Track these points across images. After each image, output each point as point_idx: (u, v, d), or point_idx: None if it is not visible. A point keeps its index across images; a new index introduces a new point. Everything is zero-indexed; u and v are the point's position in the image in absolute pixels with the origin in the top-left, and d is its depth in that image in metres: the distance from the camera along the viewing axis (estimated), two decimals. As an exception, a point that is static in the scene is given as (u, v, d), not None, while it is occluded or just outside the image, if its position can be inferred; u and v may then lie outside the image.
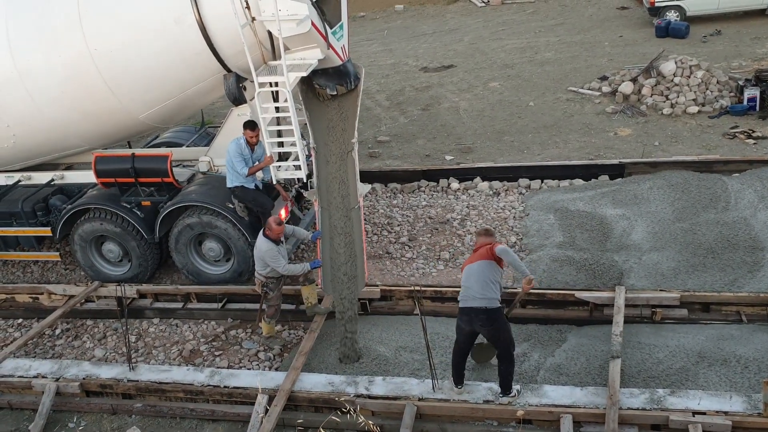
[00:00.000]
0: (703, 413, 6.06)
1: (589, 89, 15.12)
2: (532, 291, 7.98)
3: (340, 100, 8.54)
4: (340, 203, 8.22)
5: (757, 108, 12.98)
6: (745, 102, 13.08)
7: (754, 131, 12.17)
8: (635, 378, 6.73)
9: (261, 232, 7.66)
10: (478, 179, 11.45)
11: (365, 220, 10.06)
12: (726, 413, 6.03)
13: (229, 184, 8.56)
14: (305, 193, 9.39)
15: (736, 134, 12.18)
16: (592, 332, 7.55)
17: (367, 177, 11.85)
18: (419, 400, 6.62)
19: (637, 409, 6.20)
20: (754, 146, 11.72)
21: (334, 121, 8.51)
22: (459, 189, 11.33)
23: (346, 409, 6.08)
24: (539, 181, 11.23)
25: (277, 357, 7.93)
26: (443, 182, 11.53)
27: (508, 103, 15.27)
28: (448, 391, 6.69)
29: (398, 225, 10.36)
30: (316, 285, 8.22)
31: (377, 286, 8.50)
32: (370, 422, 5.27)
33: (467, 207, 10.71)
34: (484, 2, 24.91)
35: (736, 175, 10.33)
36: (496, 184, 11.27)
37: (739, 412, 6.03)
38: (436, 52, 20.05)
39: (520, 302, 8.00)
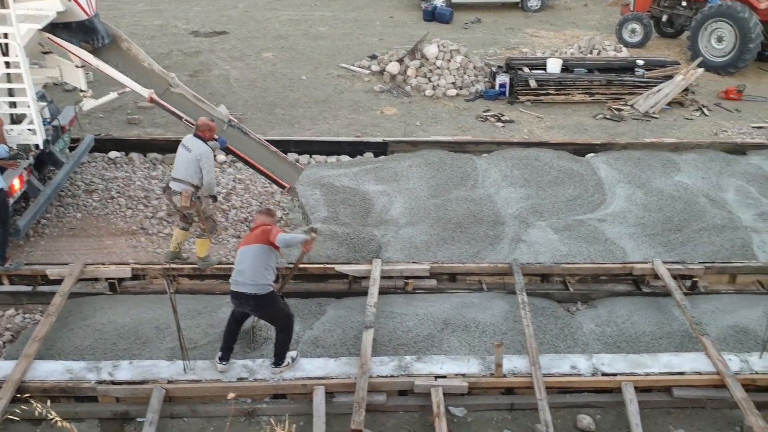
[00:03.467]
0: (445, 377, 6.47)
1: (359, 67, 15.46)
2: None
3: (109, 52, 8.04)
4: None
5: (507, 93, 14.17)
6: (497, 87, 14.20)
7: (503, 115, 13.26)
8: (386, 346, 6.98)
9: (192, 134, 7.47)
10: (246, 152, 11.17)
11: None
12: (464, 375, 6.49)
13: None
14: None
15: (488, 117, 13.19)
16: (349, 304, 7.71)
17: (124, 146, 11.08)
18: (168, 382, 6.30)
19: (386, 376, 6.45)
20: (502, 129, 12.77)
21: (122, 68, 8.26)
22: (225, 162, 10.96)
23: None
24: (308, 156, 11.26)
25: (7, 344, 7.09)
26: (209, 154, 11.07)
27: (281, 75, 15.12)
28: (200, 371, 6.45)
29: (156, 198, 9.76)
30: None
31: (128, 264, 7.94)
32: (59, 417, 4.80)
33: (234, 181, 10.41)
34: (261, -29, 24.36)
35: (485, 155, 11.17)
36: (265, 157, 11.09)
37: (476, 373, 6.52)
38: (208, 16, 19.25)
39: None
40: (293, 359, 6.56)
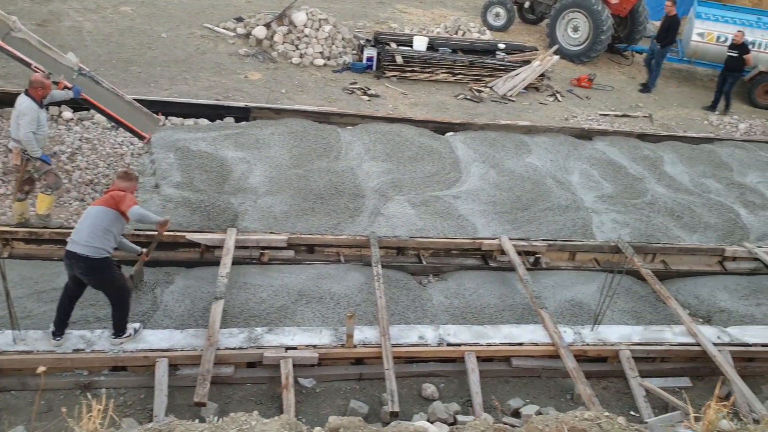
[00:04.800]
0: (295, 348, 6.44)
1: (224, 28, 14.91)
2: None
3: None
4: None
5: (374, 67, 14.22)
6: (364, 61, 14.20)
7: (369, 89, 13.29)
8: (237, 318, 6.85)
9: (24, 91, 7.25)
10: (96, 110, 10.47)
11: None
12: (315, 346, 6.49)
13: None
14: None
15: (354, 90, 13.17)
16: (200, 274, 7.48)
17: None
18: (-6, 354, 5.84)
19: (235, 348, 6.33)
20: (368, 102, 12.81)
21: None
22: (72, 119, 10.22)
23: None
24: (164, 117, 10.72)
25: None
26: (54, 110, 10.26)
27: (139, 31, 14.28)
28: (32, 342, 6.02)
29: (-9, 155, 8.97)
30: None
31: (-47, 225, 7.26)
32: None
33: (80, 140, 9.72)
34: None
35: (350, 127, 11.16)
36: (116, 116, 10.44)
37: (327, 344, 6.54)
38: (60, -39, 17.76)
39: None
40: (136, 330, 6.27)
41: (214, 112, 11.04)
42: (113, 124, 9.15)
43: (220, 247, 7.67)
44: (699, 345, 7.13)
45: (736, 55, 14.92)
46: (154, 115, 9.01)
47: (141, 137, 8.54)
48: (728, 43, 15.36)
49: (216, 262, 7.50)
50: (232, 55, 13.78)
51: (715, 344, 7.15)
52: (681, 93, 16.11)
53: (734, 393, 6.64)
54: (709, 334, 7.36)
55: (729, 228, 9.83)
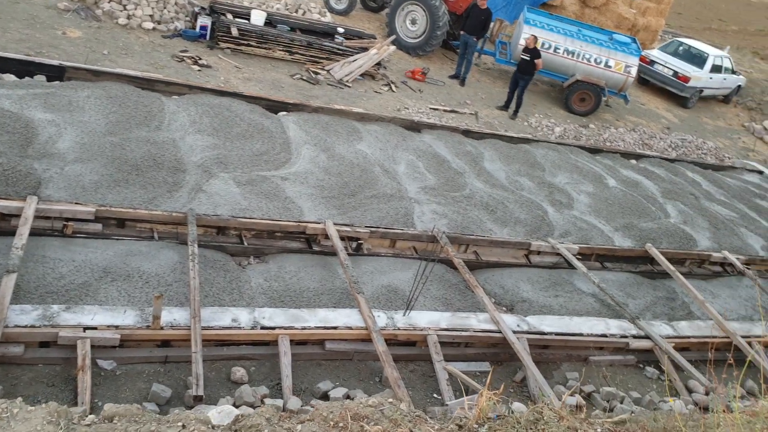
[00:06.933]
0: (95, 328, 6.03)
1: (42, -23, 13.59)
2: None
3: None
4: None
5: (208, 37, 13.66)
6: (197, 29, 13.60)
7: (200, 58, 12.75)
8: (32, 294, 6.30)
9: None
10: None
11: None
12: (117, 327, 6.12)
13: None
14: None
15: (185, 58, 12.57)
16: (-8, 244, 6.79)
17: None
18: None
19: (26, 326, 5.81)
20: (198, 72, 12.28)
21: None
22: None
23: None
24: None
25: None
26: None
27: (-62, -33, 12.63)
28: None
29: None
30: None
31: None
32: None
33: None
34: None
35: (175, 97, 10.62)
36: None
37: (131, 325, 6.19)
38: None
39: None
40: None
41: (24, 69, 10.01)
42: None
43: (18, 216, 7.00)
44: (500, 332, 7.60)
45: (528, 58, 15.54)
46: None
47: None
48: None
49: (12, 232, 6.82)
50: (50, 9, 12.61)
51: (515, 332, 7.66)
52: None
53: (528, 377, 7.17)
54: (510, 322, 7.86)
55: (536, 224, 10.56)
